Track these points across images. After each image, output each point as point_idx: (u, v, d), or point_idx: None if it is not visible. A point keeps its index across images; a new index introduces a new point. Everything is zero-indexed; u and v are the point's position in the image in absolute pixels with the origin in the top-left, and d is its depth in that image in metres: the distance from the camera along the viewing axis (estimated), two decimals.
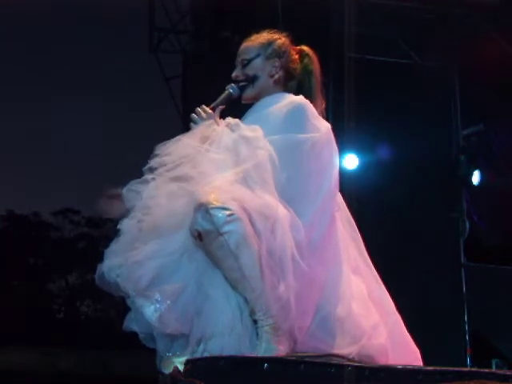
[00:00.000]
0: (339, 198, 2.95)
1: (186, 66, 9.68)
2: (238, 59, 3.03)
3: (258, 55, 2.99)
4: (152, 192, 2.64)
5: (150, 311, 2.52)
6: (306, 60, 3.04)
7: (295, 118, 2.80)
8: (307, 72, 3.02)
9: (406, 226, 7.18)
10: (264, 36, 3.04)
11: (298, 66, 3.02)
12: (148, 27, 9.41)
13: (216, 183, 2.57)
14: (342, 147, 7.22)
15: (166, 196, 2.62)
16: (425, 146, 7.43)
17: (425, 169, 7.39)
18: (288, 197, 2.66)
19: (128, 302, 2.58)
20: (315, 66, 3.04)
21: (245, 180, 2.60)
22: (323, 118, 2.93)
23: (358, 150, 7.41)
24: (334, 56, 7.17)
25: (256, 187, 2.60)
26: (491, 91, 7.41)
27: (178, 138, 2.76)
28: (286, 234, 2.58)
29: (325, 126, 2.85)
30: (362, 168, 7.40)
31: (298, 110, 2.82)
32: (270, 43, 3.01)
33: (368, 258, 2.94)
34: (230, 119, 2.85)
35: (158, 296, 2.53)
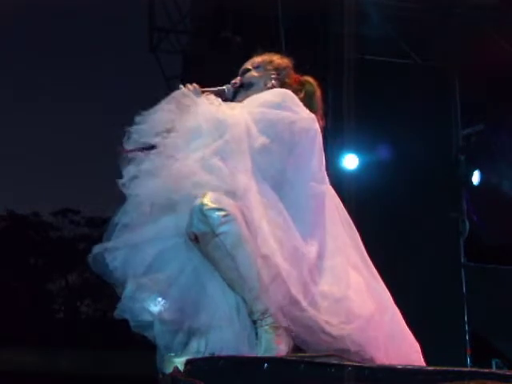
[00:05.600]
0: (337, 198, 2.96)
1: (185, 66, 9.68)
2: (240, 70, 3.17)
3: (257, 67, 3.14)
4: (133, 172, 2.65)
5: (145, 299, 2.53)
6: (307, 86, 3.15)
7: (283, 98, 2.86)
8: (309, 95, 3.11)
9: (406, 225, 7.18)
10: (265, 56, 3.20)
11: (294, 85, 3.10)
12: (148, 27, 9.40)
13: (188, 162, 2.58)
14: (342, 147, 7.23)
15: (146, 174, 2.63)
16: (425, 145, 7.43)
17: (425, 169, 7.40)
18: (262, 169, 2.67)
19: (120, 288, 2.58)
20: (317, 92, 3.15)
21: (218, 154, 2.62)
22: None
23: (358, 150, 7.42)
24: (334, 56, 7.18)
25: (229, 161, 2.61)
26: (491, 91, 7.41)
27: (155, 107, 2.76)
28: (268, 229, 2.57)
29: (307, 114, 2.90)
30: (362, 168, 7.41)
31: (278, 93, 2.90)
32: (270, 61, 3.17)
33: (367, 257, 2.95)
34: (211, 96, 2.87)
35: (153, 283, 2.54)
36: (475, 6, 7.39)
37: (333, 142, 6.85)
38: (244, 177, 2.61)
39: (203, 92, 2.90)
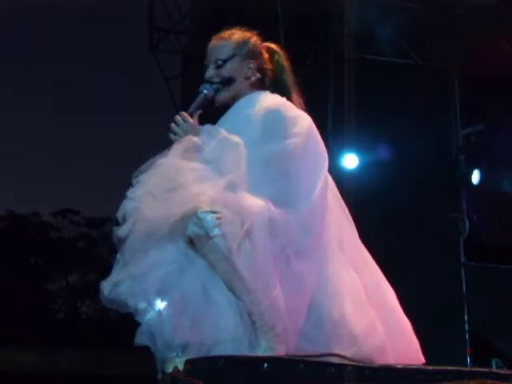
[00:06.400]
0: (334, 187, 2.92)
1: (185, 66, 9.69)
2: (211, 58, 2.91)
3: (233, 55, 2.88)
4: (140, 200, 2.59)
5: (161, 323, 2.50)
6: (276, 57, 2.97)
7: (273, 127, 2.73)
8: (280, 68, 2.95)
9: (406, 225, 7.18)
10: (237, 35, 2.93)
11: (270, 66, 2.95)
12: (148, 27, 9.41)
13: (203, 190, 2.55)
14: (342, 147, 7.23)
15: (155, 203, 2.56)
16: (425, 145, 7.43)
17: (425, 168, 7.40)
18: (280, 204, 2.62)
19: (137, 317, 2.55)
20: (286, 62, 2.98)
21: (231, 188, 2.57)
22: (304, 110, 2.89)
23: (358, 150, 7.41)
24: (334, 56, 7.18)
25: (242, 192, 2.58)
26: (491, 91, 7.41)
27: (160, 161, 2.65)
28: (264, 236, 2.55)
29: (304, 125, 2.78)
30: (362, 168, 7.41)
31: (274, 118, 2.75)
32: (244, 43, 2.90)
33: (363, 247, 2.93)
34: (209, 127, 2.79)
35: (166, 307, 2.52)
36: (475, 6, 7.39)
37: (333, 141, 6.86)
38: (257, 202, 2.58)
39: (191, 115, 2.79)
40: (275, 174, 2.67)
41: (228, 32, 2.94)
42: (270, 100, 2.85)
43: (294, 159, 2.69)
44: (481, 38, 7.18)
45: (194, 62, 8.94)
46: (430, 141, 7.52)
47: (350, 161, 7.39)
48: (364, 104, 6.81)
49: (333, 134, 6.90)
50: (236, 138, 2.69)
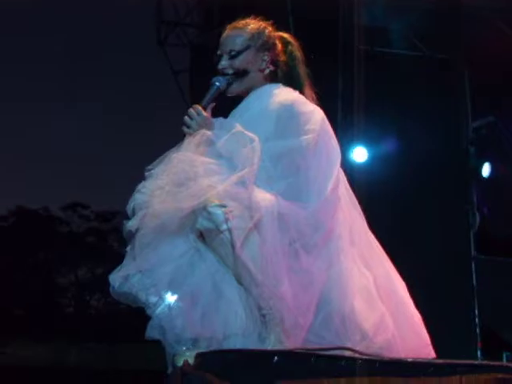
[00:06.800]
0: (345, 180, 2.90)
1: (193, 60, 9.67)
2: (225, 49, 2.86)
3: (247, 47, 2.84)
4: (151, 193, 2.57)
5: (172, 318, 2.50)
6: (289, 47, 2.93)
7: (286, 123, 2.70)
8: (292, 60, 2.91)
9: (416, 218, 7.17)
10: (252, 25, 2.89)
11: (283, 58, 2.91)
12: (155, 20, 9.40)
13: (213, 184, 2.53)
14: (352, 140, 7.21)
15: (165, 197, 2.54)
16: (434, 138, 7.41)
17: (434, 161, 7.37)
18: (291, 199, 2.61)
19: (147, 310, 2.54)
20: (299, 53, 2.94)
21: (242, 182, 2.55)
22: (315, 103, 2.87)
23: (368, 143, 7.39)
24: (344, 48, 7.15)
25: (252, 187, 2.56)
26: (501, 83, 7.38)
27: (172, 155, 2.63)
28: (273, 230, 2.53)
29: (317, 121, 2.75)
30: (372, 161, 7.39)
31: (287, 114, 2.72)
32: (259, 34, 2.86)
33: (374, 239, 2.91)
34: (222, 120, 2.77)
35: (177, 301, 2.51)
36: None
37: (342, 134, 6.84)
38: (265, 201, 2.55)
39: (204, 108, 2.75)
40: (287, 169, 2.65)
41: (242, 22, 2.91)
42: (283, 94, 2.82)
43: (306, 155, 2.67)
44: (492, 30, 7.16)
45: (203, 55, 8.93)
46: (441, 133, 7.49)
47: (360, 154, 7.37)
48: (373, 97, 6.79)
49: (342, 127, 6.88)
50: (251, 134, 2.65)
